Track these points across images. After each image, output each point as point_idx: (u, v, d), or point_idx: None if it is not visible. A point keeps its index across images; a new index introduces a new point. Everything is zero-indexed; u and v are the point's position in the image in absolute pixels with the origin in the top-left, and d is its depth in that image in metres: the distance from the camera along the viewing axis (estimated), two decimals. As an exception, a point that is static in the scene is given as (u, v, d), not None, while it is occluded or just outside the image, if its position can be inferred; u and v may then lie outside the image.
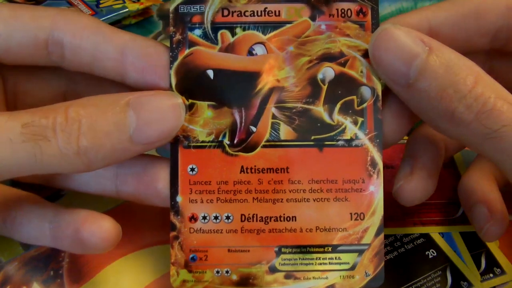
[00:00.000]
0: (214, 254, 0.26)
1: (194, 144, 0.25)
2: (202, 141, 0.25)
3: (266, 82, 0.25)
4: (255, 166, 0.25)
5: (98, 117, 0.22)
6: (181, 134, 0.25)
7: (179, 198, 0.26)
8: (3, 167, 0.21)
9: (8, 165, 0.21)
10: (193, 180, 0.26)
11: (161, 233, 0.32)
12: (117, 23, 0.46)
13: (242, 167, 0.25)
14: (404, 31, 0.23)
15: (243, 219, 0.26)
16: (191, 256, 0.26)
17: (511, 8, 0.25)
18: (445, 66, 0.22)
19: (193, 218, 0.26)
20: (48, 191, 0.35)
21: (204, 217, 0.26)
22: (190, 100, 0.25)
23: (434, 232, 0.32)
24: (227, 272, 0.26)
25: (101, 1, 0.46)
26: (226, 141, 0.25)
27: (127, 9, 0.45)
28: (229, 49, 0.25)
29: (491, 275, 0.31)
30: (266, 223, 0.26)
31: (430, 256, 0.31)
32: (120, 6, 0.46)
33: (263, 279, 0.26)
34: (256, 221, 0.26)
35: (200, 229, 0.26)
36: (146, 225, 0.33)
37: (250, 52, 0.25)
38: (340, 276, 0.26)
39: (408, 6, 0.47)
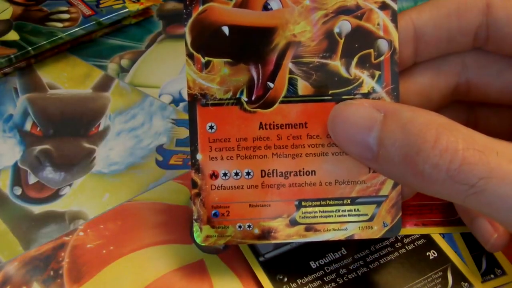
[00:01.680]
0: (235, 209, 0.26)
1: (212, 102, 0.25)
2: (220, 99, 0.25)
3: (282, 37, 0.25)
4: (273, 122, 0.25)
5: None
6: (198, 92, 0.25)
7: (199, 156, 0.26)
8: None
9: None
10: (212, 137, 0.26)
11: (161, 233, 0.32)
12: (117, 23, 0.46)
13: (260, 123, 0.25)
14: (356, 105, 0.23)
15: (263, 174, 0.26)
16: (213, 212, 0.26)
17: (490, 5, 0.25)
18: (402, 127, 0.21)
19: (214, 175, 0.26)
20: (49, 190, 0.35)
21: (225, 174, 0.26)
22: (206, 58, 0.25)
23: (435, 233, 0.32)
24: (249, 226, 0.26)
25: (101, 1, 0.46)
26: (244, 98, 0.25)
27: (127, 9, 0.45)
28: (243, 4, 0.25)
29: (492, 275, 0.31)
30: (286, 178, 0.26)
31: (431, 257, 0.31)
32: (120, 6, 0.46)
33: (284, 232, 0.26)
34: (276, 176, 0.26)
35: (221, 186, 0.26)
36: (146, 225, 0.33)
37: (265, 7, 0.25)
38: (359, 227, 0.26)
39: (408, 6, 0.47)
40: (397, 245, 0.31)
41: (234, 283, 0.30)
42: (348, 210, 0.26)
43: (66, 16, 0.45)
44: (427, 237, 0.32)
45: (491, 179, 0.19)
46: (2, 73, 0.42)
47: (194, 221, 0.27)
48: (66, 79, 0.42)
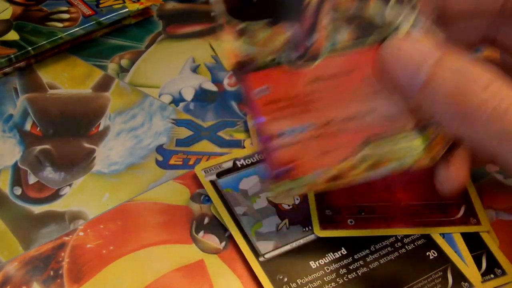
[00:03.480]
0: (303, 163, 0.27)
1: (257, 66, 0.25)
2: (265, 62, 0.25)
3: None
4: (321, 74, 0.25)
5: None
6: (242, 59, 0.25)
7: (257, 121, 0.26)
8: None
9: None
10: (266, 100, 0.26)
11: (161, 233, 0.32)
12: (117, 23, 0.46)
13: (309, 78, 0.26)
14: (413, 39, 0.23)
15: (322, 125, 0.26)
16: (281, 170, 0.27)
17: None
18: (457, 68, 0.22)
19: (275, 136, 0.26)
20: (49, 190, 0.35)
21: (284, 133, 0.26)
22: (245, 23, 0.25)
23: (435, 233, 0.32)
24: (318, 174, 0.27)
25: (101, 1, 0.46)
26: (288, 56, 0.25)
27: (127, 9, 0.45)
28: None
29: (492, 275, 0.31)
30: (346, 122, 0.26)
31: (431, 257, 0.31)
32: (120, 6, 0.46)
33: (351, 172, 0.27)
34: (336, 123, 0.26)
35: (284, 145, 0.26)
36: (146, 225, 0.33)
37: None
38: (414, 160, 0.27)
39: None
40: (397, 245, 0.31)
41: (234, 283, 0.30)
42: (405, 144, 0.27)
43: (66, 16, 0.45)
44: (427, 237, 0.32)
45: None
46: (2, 73, 0.42)
47: (269, 183, 0.27)
48: (66, 79, 0.42)
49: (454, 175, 0.28)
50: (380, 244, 0.31)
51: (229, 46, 0.25)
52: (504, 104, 0.21)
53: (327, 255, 0.31)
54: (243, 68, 0.25)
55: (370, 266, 0.30)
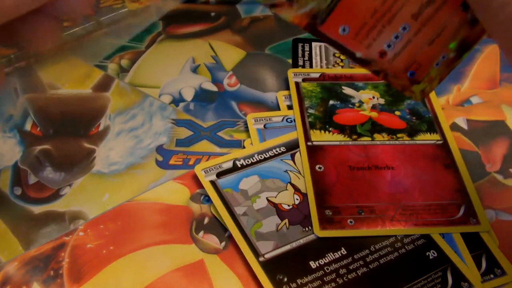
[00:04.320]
0: (421, 63, 0.26)
1: (324, 12, 0.24)
2: (327, 3, 0.24)
3: None
4: None
5: None
6: (309, 17, 0.24)
7: (360, 53, 0.25)
8: None
9: None
10: (353, 33, 0.25)
11: (161, 233, 0.32)
12: (117, 23, 0.46)
13: None
14: None
15: (414, 18, 0.25)
16: (409, 73, 0.26)
17: None
18: None
19: (384, 52, 0.25)
20: (49, 190, 0.35)
21: (390, 43, 0.25)
22: None
23: (435, 233, 0.32)
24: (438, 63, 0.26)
25: (101, 1, 0.46)
26: None
27: (127, 9, 0.45)
28: None
29: (492, 275, 0.31)
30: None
31: (431, 257, 0.31)
32: (120, 6, 0.46)
33: None
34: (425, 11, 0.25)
35: (395, 55, 0.25)
36: (146, 225, 0.33)
37: None
38: None
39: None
40: (397, 245, 0.31)
41: (234, 283, 0.30)
42: None
43: (66, 16, 0.45)
44: (427, 237, 0.32)
45: None
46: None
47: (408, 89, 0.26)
48: (66, 79, 0.42)
49: None
50: (380, 244, 0.31)
51: (291, 17, 0.24)
52: None
53: (327, 255, 0.31)
54: (315, 26, 0.25)
55: (370, 266, 0.30)
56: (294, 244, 0.31)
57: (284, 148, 0.36)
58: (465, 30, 0.25)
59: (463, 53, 0.26)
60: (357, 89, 0.40)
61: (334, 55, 0.44)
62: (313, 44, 0.44)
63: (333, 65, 0.43)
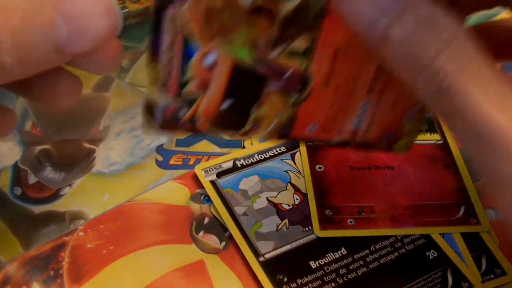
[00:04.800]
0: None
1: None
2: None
3: None
4: None
5: (22, 30, 0.20)
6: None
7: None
8: None
9: None
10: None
11: (161, 233, 0.32)
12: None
13: None
14: None
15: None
16: None
17: None
18: (413, 26, 0.19)
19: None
20: (49, 190, 0.35)
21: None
22: None
23: (435, 233, 0.32)
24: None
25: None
26: None
27: (127, 9, 0.45)
28: None
29: (492, 275, 0.31)
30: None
31: (431, 257, 0.31)
32: (120, 6, 0.46)
33: None
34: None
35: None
36: (146, 225, 0.33)
37: None
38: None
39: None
40: (397, 245, 0.31)
41: (234, 283, 0.30)
42: None
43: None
44: (427, 237, 0.32)
45: (464, 115, 0.19)
46: (2, 73, 0.42)
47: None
48: (66, 79, 0.42)
49: None
50: (380, 244, 0.31)
51: (261, 137, 0.25)
52: (446, 82, 0.19)
53: (327, 255, 0.31)
54: (285, 136, 0.25)
55: (370, 266, 0.30)
56: (294, 244, 0.31)
57: (284, 148, 0.36)
58: None
59: None
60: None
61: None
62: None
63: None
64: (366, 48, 0.22)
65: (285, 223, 0.32)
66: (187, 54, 0.22)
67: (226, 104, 0.23)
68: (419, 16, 0.20)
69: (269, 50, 0.22)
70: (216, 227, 0.33)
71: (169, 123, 0.23)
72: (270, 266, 0.30)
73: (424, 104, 0.21)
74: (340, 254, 0.31)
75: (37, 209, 0.34)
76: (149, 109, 0.23)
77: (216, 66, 0.22)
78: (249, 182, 0.34)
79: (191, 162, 0.36)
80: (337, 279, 0.30)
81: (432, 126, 0.38)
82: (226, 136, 0.23)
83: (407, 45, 0.20)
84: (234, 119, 0.23)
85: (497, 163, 0.19)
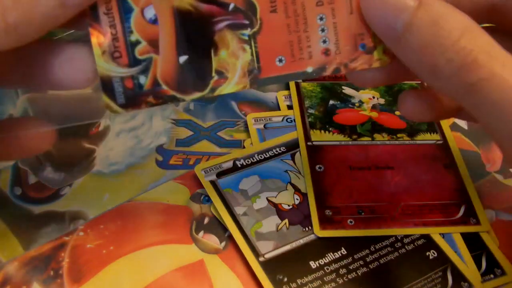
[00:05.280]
0: None
1: None
2: None
3: None
4: None
5: None
6: None
7: None
8: None
9: None
10: None
11: (161, 233, 0.32)
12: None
13: None
14: None
15: None
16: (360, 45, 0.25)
17: None
18: (433, 20, 0.22)
19: None
20: (49, 190, 0.35)
21: None
22: None
23: (435, 233, 0.32)
24: None
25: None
26: None
27: None
28: None
29: (492, 275, 0.31)
30: None
31: (431, 257, 0.31)
32: None
33: None
34: None
35: None
36: (146, 225, 0.33)
37: None
38: None
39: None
40: (397, 245, 0.31)
41: (234, 283, 0.30)
42: None
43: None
44: (427, 237, 0.32)
45: (488, 80, 0.21)
46: (2, 73, 0.42)
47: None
48: (66, 79, 0.42)
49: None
50: (380, 244, 0.31)
51: (234, 88, 0.24)
52: (468, 60, 0.21)
53: (327, 255, 0.31)
54: (256, 78, 0.24)
55: (370, 266, 0.30)
56: (294, 244, 0.31)
57: (284, 148, 0.36)
58: None
59: None
60: (357, 89, 0.40)
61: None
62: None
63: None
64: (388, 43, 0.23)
65: (285, 223, 0.32)
66: (125, 13, 0.21)
67: (182, 59, 0.22)
68: (436, 10, 0.22)
69: None
70: (216, 227, 0.33)
71: (133, 96, 0.22)
72: (270, 266, 0.30)
73: (440, 87, 0.23)
74: (340, 254, 0.31)
75: (37, 209, 0.34)
76: (107, 85, 0.22)
77: (159, 19, 0.22)
78: (249, 182, 0.34)
79: (191, 162, 0.36)
80: (337, 279, 0.30)
81: (432, 126, 0.38)
82: (196, 97, 0.22)
83: (431, 30, 0.22)
84: (196, 73, 0.22)
85: None
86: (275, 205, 0.33)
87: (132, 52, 0.22)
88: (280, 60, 0.23)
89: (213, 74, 0.22)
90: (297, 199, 0.34)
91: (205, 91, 0.23)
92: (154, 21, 0.21)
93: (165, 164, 0.36)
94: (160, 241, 0.32)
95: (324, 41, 0.23)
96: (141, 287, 0.30)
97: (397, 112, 0.39)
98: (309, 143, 0.36)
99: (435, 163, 0.35)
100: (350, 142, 0.36)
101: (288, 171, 0.35)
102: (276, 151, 0.36)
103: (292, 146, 0.36)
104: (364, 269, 0.30)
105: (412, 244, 0.32)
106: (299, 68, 0.23)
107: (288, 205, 0.33)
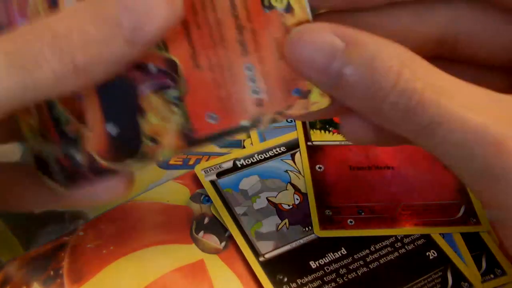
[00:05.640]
0: None
1: None
2: None
3: None
4: None
5: (90, 27, 0.19)
6: None
7: None
8: None
9: None
10: None
11: (161, 233, 0.32)
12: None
13: None
14: (316, 30, 0.21)
15: None
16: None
17: None
18: (366, 61, 0.20)
19: None
20: (48, 191, 0.35)
21: None
22: None
23: (435, 233, 0.32)
24: None
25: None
26: None
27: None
28: None
29: (492, 275, 0.31)
30: None
31: (431, 257, 0.31)
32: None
33: None
34: None
35: None
36: (146, 225, 0.33)
37: None
38: None
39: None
40: (397, 245, 0.31)
41: (234, 283, 0.30)
42: None
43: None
44: (427, 237, 0.32)
45: (440, 124, 0.19)
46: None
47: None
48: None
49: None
50: (380, 244, 0.31)
51: (172, 151, 0.22)
52: (413, 102, 0.20)
53: (327, 255, 0.31)
54: (190, 137, 0.22)
55: (370, 266, 0.30)
56: (294, 244, 0.31)
57: (284, 148, 0.36)
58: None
59: None
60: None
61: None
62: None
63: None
64: (323, 89, 0.22)
65: (285, 223, 0.32)
66: None
67: (112, 129, 0.21)
68: (368, 50, 0.20)
69: None
70: (216, 227, 0.33)
71: (73, 174, 0.22)
72: (270, 266, 0.30)
73: (395, 131, 0.21)
74: (340, 254, 0.31)
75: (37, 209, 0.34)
76: (43, 165, 0.21)
77: (82, 93, 0.21)
78: (249, 182, 0.34)
79: (191, 162, 0.36)
80: (337, 279, 0.30)
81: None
82: (133, 166, 0.22)
83: (366, 73, 0.20)
84: (128, 142, 0.22)
85: (487, 158, 0.19)
86: (275, 205, 0.33)
87: (62, 130, 0.21)
88: (212, 117, 0.22)
89: (146, 140, 0.22)
90: (297, 199, 0.34)
91: (140, 159, 0.22)
92: (79, 97, 0.21)
93: (165, 164, 0.36)
94: (160, 241, 0.32)
95: (255, 92, 0.22)
96: (141, 287, 0.30)
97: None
98: (309, 143, 0.36)
99: (435, 163, 0.35)
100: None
101: (288, 171, 0.35)
102: (276, 151, 0.36)
103: (292, 146, 0.36)
104: (364, 269, 0.30)
105: (412, 244, 0.32)
106: (233, 123, 0.22)
107: (288, 205, 0.33)
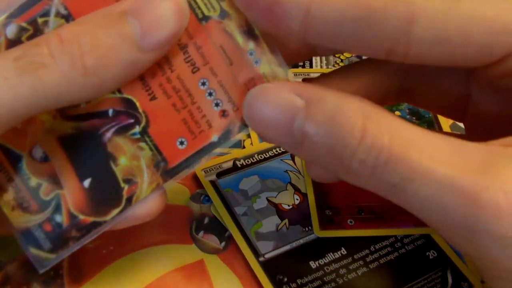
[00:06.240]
0: None
1: None
2: None
3: None
4: None
5: (98, 32, 0.19)
6: None
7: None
8: (5, 110, 0.19)
9: (9, 106, 0.18)
10: None
11: (161, 233, 0.32)
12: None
13: None
14: (275, 90, 0.21)
15: None
16: None
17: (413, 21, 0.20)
18: (329, 118, 0.19)
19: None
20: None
21: None
22: None
23: (435, 233, 0.32)
24: None
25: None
26: None
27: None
28: None
29: (492, 276, 0.31)
30: None
31: (431, 257, 0.31)
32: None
33: None
34: None
35: None
36: (146, 225, 0.33)
37: None
38: None
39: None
40: (397, 245, 0.31)
41: (234, 283, 0.30)
42: None
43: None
44: (427, 237, 0.32)
45: (411, 180, 0.19)
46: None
47: None
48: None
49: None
50: (380, 244, 0.31)
51: (149, 190, 0.23)
52: (381, 159, 0.19)
53: (327, 255, 0.31)
54: (165, 170, 0.22)
55: (370, 266, 0.30)
56: (294, 244, 0.31)
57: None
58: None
59: None
60: (357, 89, 0.40)
61: (334, 55, 0.44)
62: (313, 44, 0.44)
63: (333, 65, 0.43)
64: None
65: (285, 223, 0.32)
66: (16, 162, 0.21)
67: (86, 183, 0.21)
68: (329, 106, 0.20)
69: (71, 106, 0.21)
70: (216, 227, 0.33)
71: (56, 237, 0.22)
72: (270, 266, 0.30)
73: (365, 188, 0.20)
74: (340, 254, 0.31)
75: (37, 209, 0.34)
76: (29, 236, 0.21)
77: (48, 155, 0.21)
78: (249, 182, 0.34)
79: (191, 162, 0.36)
80: (337, 279, 0.30)
81: (432, 126, 0.38)
82: (116, 213, 0.22)
83: (330, 131, 0.19)
84: (106, 191, 0.22)
85: (461, 210, 0.18)
86: (275, 205, 0.33)
87: (38, 196, 0.21)
88: (182, 143, 0.22)
89: (122, 184, 0.22)
90: (297, 199, 0.34)
91: (122, 204, 0.22)
92: (46, 158, 0.21)
93: (165, 164, 0.36)
94: (160, 241, 0.32)
95: (217, 104, 0.22)
96: (141, 287, 0.30)
97: (397, 113, 0.39)
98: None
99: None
100: (350, 142, 0.36)
101: (288, 171, 0.35)
102: (276, 151, 0.36)
103: (292, 146, 0.36)
104: (364, 269, 0.30)
105: (412, 244, 0.32)
106: (204, 142, 0.22)
107: (288, 205, 0.33)
